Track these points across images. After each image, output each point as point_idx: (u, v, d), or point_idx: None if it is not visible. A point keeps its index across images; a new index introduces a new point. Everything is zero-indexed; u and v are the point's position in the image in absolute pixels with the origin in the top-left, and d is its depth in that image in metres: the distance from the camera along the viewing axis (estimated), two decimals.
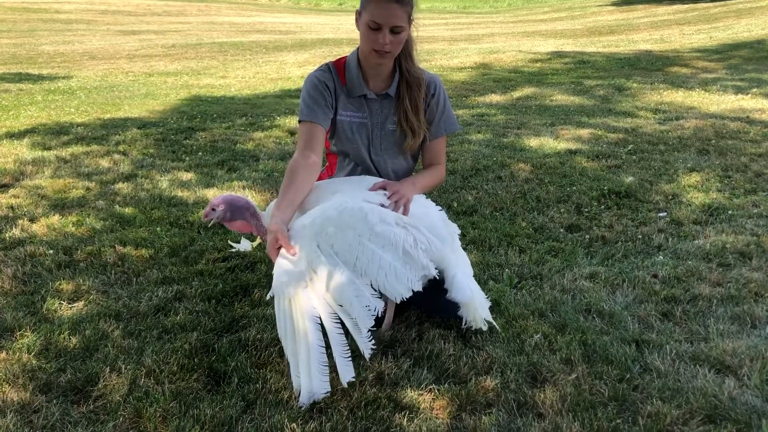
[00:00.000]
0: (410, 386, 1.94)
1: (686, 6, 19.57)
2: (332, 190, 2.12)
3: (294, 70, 9.56)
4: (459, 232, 2.25)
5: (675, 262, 2.77)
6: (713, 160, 4.24)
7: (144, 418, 1.80)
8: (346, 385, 1.85)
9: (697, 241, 2.99)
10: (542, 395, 1.89)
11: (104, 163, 4.37)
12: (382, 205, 2.05)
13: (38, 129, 5.41)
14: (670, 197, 3.59)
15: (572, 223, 3.25)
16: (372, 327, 1.83)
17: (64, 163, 4.36)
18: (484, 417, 1.81)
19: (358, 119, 2.27)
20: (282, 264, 1.88)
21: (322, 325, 1.83)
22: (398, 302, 1.95)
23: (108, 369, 2.02)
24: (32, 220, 3.29)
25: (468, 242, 2.99)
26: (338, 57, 2.32)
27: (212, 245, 2.97)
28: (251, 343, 2.15)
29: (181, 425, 1.76)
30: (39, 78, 8.78)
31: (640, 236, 3.07)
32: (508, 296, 2.48)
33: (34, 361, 2.06)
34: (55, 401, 1.88)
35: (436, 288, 2.07)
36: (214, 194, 3.67)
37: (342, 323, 1.83)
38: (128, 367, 2.02)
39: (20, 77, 8.82)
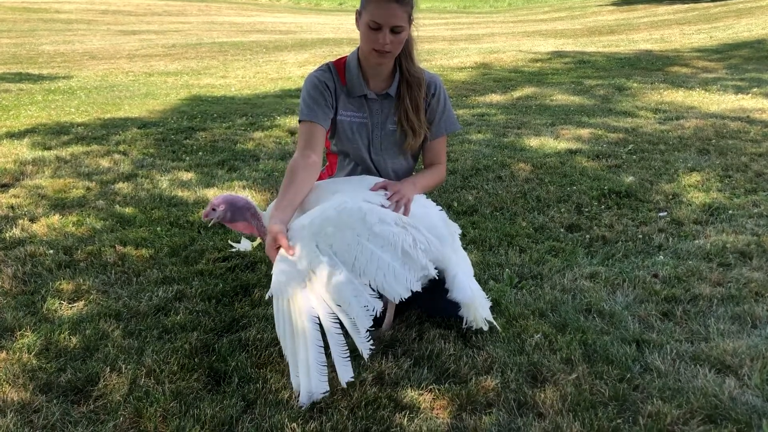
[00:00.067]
0: (410, 386, 1.94)
1: (686, 6, 19.57)
2: (332, 190, 2.12)
3: (294, 70, 9.56)
4: (459, 231, 2.25)
5: (675, 261, 2.77)
6: (713, 160, 4.24)
7: (144, 417, 1.80)
8: (344, 386, 1.85)
9: (697, 241, 2.99)
10: (542, 395, 1.89)
11: (104, 162, 4.37)
12: (383, 206, 2.05)
13: (38, 129, 5.41)
14: (671, 197, 3.59)
15: (572, 223, 3.25)
16: (371, 327, 1.83)
17: (64, 162, 4.36)
18: (484, 417, 1.81)
19: (359, 119, 2.27)
20: (281, 264, 1.88)
21: (320, 325, 1.83)
22: (397, 302, 1.95)
23: (108, 369, 2.02)
24: (32, 219, 3.29)
25: (468, 242, 2.99)
26: (338, 57, 2.32)
27: (212, 245, 2.97)
28: (251, 343, 2.15)
29: (182, 425, 1.76)
30: (39, 78, 8.78)
31: (640, 236, 3.07)
32: (508, 296, 2.48)
33: (34, 361, 2.06)
34: (55, 401, 1.88)
35: (436, 288, 2.07)
36: (214, 194, 3.66)
37: (341, 323, 1.83)
38: (128, 366, 2.02)
39: (20, 77, 8.82)
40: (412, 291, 1.90)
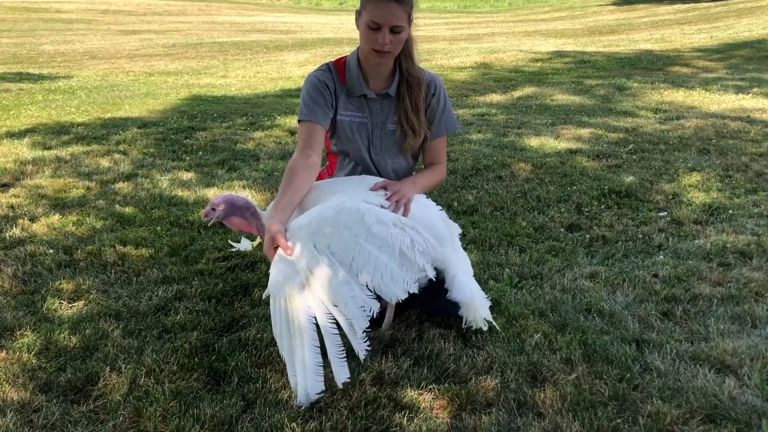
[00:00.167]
0: (410, 386, 1.94)
1: (687, 5, 19.57)
2: (332, 190, 2.12)
3: (294, 70, 9.56)
4: (459, 231, 2.25)
5: (675, 261, 2.77)
6: (714, 160, 4.24)
7: (144, 417, 1.80)
8: (341, 386, 1.85)
9: (697, 241, 2.99)
10: (542, 395, 1.88)
11: (104, 162, 4.38)
12: (382, 206, 2.05)
13: (38, 128, 5.41)
14: (671, 197, 3.59)
15: (572, 223, 3.25)
16: (370, 327, 1.83)
17: (64, 162, 4.36)
18: (484, 416, 1.81)
19: (358, 119, 2.27)
20: (279, 264, 1.88)
21: (317, 325, 1.83)
22: (394, 303, 1.95)
23: (108, 368, 2.02)
24: (32, 219, 3.29)
25: (468, 242, 2.99)
26: (338, 57, 2.32)
27: (212, 245, 2.97)
28: (251, 343, 2.15)
29: (181, 425, 1.76)
30: (39, 77, 8.78)
31: (640, 236, 3.07)
32: (508, 296, 2.48)
33: (34, 361, 2.06)
34: (55, 401, 1.88)
35: (436, 288, 2.07)
36: (214, 194, 3.67)
37: (337, 323, 1.83)
38: (128, 366, 2.02)
39: (21, 77, 8.82)
40: (409, 292, 1.90)
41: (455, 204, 3.51)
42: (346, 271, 1.85)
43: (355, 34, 2.17)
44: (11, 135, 5.16)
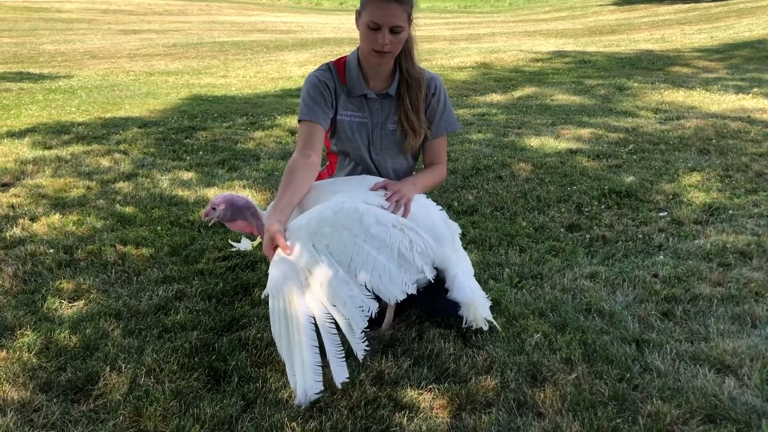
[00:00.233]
0: (410, 385, 1.94)
1: (687, 5, 19.56)
2: (332, 190, 2.12)
3: (295, 70, 9.56)
4: (460, 231, 2.25)
5: (675, 261, 2.77)
6: (714, 160, 4.24)
7: (144, 416, 1.80)
8: (339, 386, 1.85)
9: (697, 241, 2.99)
10: (542, 395, 1.89)
11: (105, 162, 4.38)
12: (382, 206, 2.05)
13: (39, 128, 5.41)
14: (671, 197, 3.59)
15: (573, 223, 3.25)
16: (366, 328, 1.83)
17: (64, 162, 4.36)
18: (484, 416, 1.81)
19: (359, 119, 2.27)
20: (278, 263, 1.88)
21: (316, 325, 1.83)
22: (392, 303, 1.95)
23: (108, 368, 2.02)
24: (33, 219, 3.29)
25: (468, 242, 2.99)
26: (339, 57, 2.32)
27: (213, 244, 2.97)
28: (251, 342, 2.15)
29: (181, 424, 1.76)
30: (40, 77, 8.78)
31: (640, 236, 3.07)
32: (508, 296, 2.48)
33: (34, 360, 2.07)
34: (55, 400, 1.88)
35: (436, 288, 2.07)
36: (214, 193, 3.67)
37: (336, 323, 1.83)
38: (128, 366, 2.02)
39: (21, 76, 8.82)
40: (407, 293, 1.90)
41: (455, 204, 3.51)
42: (344, 271, 1.85)
43: (356, 34, 2.17)
44: (12, 134, 5.17)
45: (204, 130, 5.30)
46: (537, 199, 3.59)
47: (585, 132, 5.12)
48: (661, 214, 3.35)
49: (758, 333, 2.20)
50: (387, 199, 2.08)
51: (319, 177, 2.29)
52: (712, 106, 6.17)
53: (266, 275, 1.90)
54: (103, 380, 1.96)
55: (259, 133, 5.23)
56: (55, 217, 3.29)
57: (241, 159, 4.49)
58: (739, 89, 6.95)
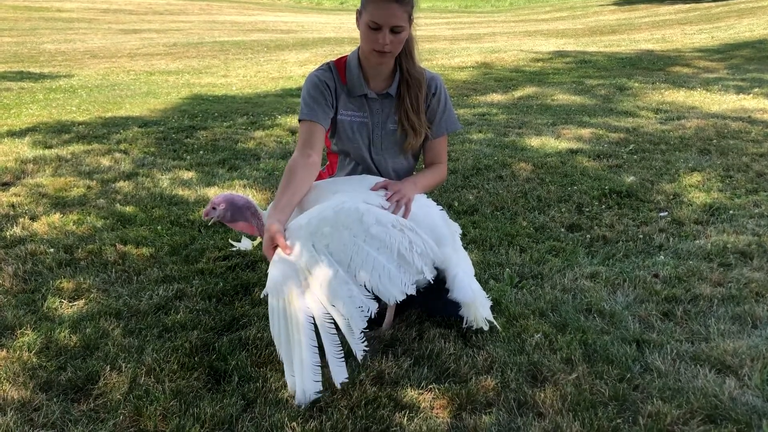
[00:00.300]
0: (410, 385, 1.94)
1: (688, 6, 19.55)
2: (332, 189, 2.11)
3: (295, 69, 9.56)
4: (460, 231, 2.25)
5: (676, 261, 2.77)
6: (714, 160, 4.24)
7: (144, 416, 1.80)
8: (338, 386, 1.85)
9: (698, 241, 2.98)
10: (542, 395, 1.88)
11: (105, 161, 4.38)
12: (382, 206, 2.05)
13: (39, 127, 5.41)
14: (672, 197, 3.59)
15: (573, 223, 3.25)
16: (365, 328, 1.82)
17: (65, 161, 4.36)
18: (484, 416, 1.81)
19: (359, 119, 2.27)
20: (277, 263, 1.88)
21: (315, 324, 1.83)
22: (392, 304, 1.95)
23: (108, 367, 2.02)
24: (33, 218, 3.29)
25: (469, 241, 2.99)
26: (339, 56, 2.32)
27: (213, 244, 2.97)
28: (252, 342, 2.15)
29: (182, 424, 1.76)
30: (40, 76, 8.78)
31: (641, 236, 3.07)
32: (508, 296, 2.47)
33: (34, 360, 2.07)
34: (55, 399, 1.88)
35: (437, 288, 2.06)
36: (214, 193, 3.67)
37: (336, 323, 1.83)
38: (128, 365, 2.02)
39: (22, 76, 8.82)
40: (406, 294, 1.89)
41: (456, 204, 3.51)
42: (344, 271, 1.85)
43: (356, 33, 2.17)
44: (12, 134, 5.17)
45: (204, 130, 5.30)
46: (537, 199, 3.58)
47: (585, 132, 5.12)
48: (662, 214, 3.35)
49: (759, 333, 2.19)
50: (387, 199, 2.08)
51: (320, 177, 2.29)
52: (713, 106, 6.16)
53: (267, 275, 1.90)
54: (104, 380, 1.96)
55: (259, 133, 5.23)
56: (56, 217, 3.29)
57: (242, 158, 4.49)
58: (739, 89, 6.95)
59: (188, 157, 4.49)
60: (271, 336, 2.14)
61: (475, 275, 2.22)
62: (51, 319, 2.33)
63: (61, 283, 2.60)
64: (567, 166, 4.14)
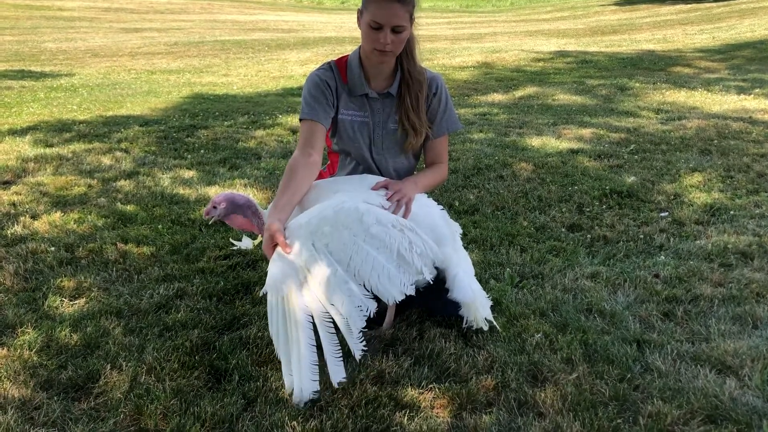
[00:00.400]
0: (411, 385, 1.94)
1: (689, 6, 19.55)
2: (333, 189, 2.11)
3: (296, 69, 9.56)
4: (461, 231, 2.25)
5: (676, 262, 2.77)
6: (715, 161, 4.24)
7: (145, 415, 1.80)
8: (336, 386, 1.85)
9: (698, 242, 2.98)
10: (543, 394, 1.89)
11: (106, 160, 4.38)
12: (383, 206, 2.05)
13: (40, 126, 5.41)
14: (672, 197, 3.59)
15: (574, 223, 3.25)
16: (364, 327, 1.82)
17: (65, 160, 4.36)
18: (484, 416, 1.81)
19: (360, 118, 2.27)
20: (277, 262, 1.88)
21: (314, 323, 1.83)
22: (391, 304, 1.95)
23: (109, 366, 2.02)
24: (34, 217, 3.29)
25: (469, 241, 2.99)
26: (340, 56, 2.32)
27: (213, 243, 2.97)
28: (252, 341, 2.15)
29: (182, 422, 1.76)
30: (41, 75, 8.79)
31: (641, 236, 3.07)
32: (509, 295, 2.47)
33: (35, 358, 2.07)
34: (56, 398, 1.88)
35: (437, 287, 2.06)
36: (215, 192, 3.67)
37: (334, 323, 1.83)
38: (129, 364, 2.02)
39: (23, 74, 8.83)
40: (405, 294, 1.89)
41: (456, 203, 3.51)
42: (343, 271, 1.85)
43: (357, 33, 2.17)
44: (13, 132, 5.17)
45: (205, 129, 5.30)
46: (538, 198, 3.58)
47: (586, 132, 5.12)
48: (663, 214, 3.35)
49: (759, 334, 2.19)
50: (388, 199, 2.08)
51: (320, 176, 2.29)
52: (714, 106, 6.16)
53: (267, 274, 1.90)
54: (104, 378, 1.96)
55: (260, 132, 5.24)
56: (57, 215, 3.29)
57: (243, 158, 4.49)
58: (740, 90, 6.94)
59: (189, 156, 4.49)
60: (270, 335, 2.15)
61: (476, 275, 2.22)
62: (52, 317, 2.33)
63: (61, 281, 2.60)
64: (568, 166, 4.14)
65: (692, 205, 3.45)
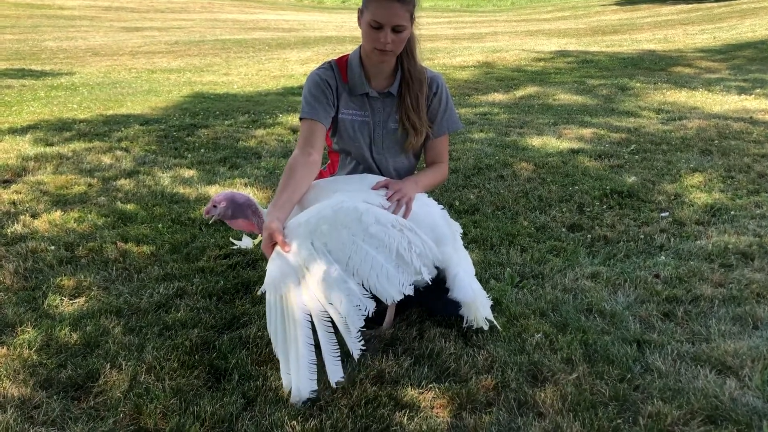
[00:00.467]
0: (411, 385, 1.94)
1: (690, 6, 19.54)
2: (332, 188, 2.11)
3: (297, 68, 9.56)
4: (461, 230, 2.25)
5: (677, 262, 2.76)
6: (716, 161, 4.24)
7: (144, 414, 1.80)
8: (334, 386, 1.84)
9: (699, 242, 2.98)
10: (543, 394, 1.88)
11: (106, 159, 4.38)
12: (383, 205, 2.04)
13: (41, 125, 5.41)
14: (673, 197, 3.59)
15: (574, 223, 3.25)
16: (362, 327, 1.82)
17: (66, 159, 4.36)
18: (484, 416, 1.81)
19: (360, 117, 2.26)
20: (276, 260, 1.88)
21: (313, 323, 1.83)
22: (390, 303, 1.94)
23: (108, 365, 2.02)
24: (34, 216, 3.29)
25: (470, 241, 2.99)
26: (341, 55, 2.31)
27: (214, 242, 2.97)
28: (252, 341, 2.15)
29: (182, 422, 1.76)
30: (42, 74, 8.78)
31: (642, 236, 3.07)
32: (509, 295, 2.47)
33: (34, 357, 2.07)
34: (55, 397, 1.88)
35: (437, 287, 2.06)
36: (215, 191, 3.67)
37: (333, 322, 1.83)
38: (129, 363, 2.02)
39: (23, 73, 8.82)
40: (404, 294, 1.89)
41: (457, 203, 3.51)
42: (342, 270, 1.84)
43: (358, 32, 2.17)
44: (13, 131, 5.17)
45: (205, 128, 5.30)
46: (538, 198, 3.58)
47: (587, 132, 5.11)
48: (663, 214, 3.35)
49: (759, 334, 2.19)
50: (388, 199, 2.08)
51: (320, 175, 2.29)
52: (715, 106, 6.16)
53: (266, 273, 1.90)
54: (104, 377, 1.96)
55: (260, 131, 5.23)
56: (57, 214, 3.29)
57: (243, 157, 4.49)
58: (741, 90, 6.94)
59: (189, 155, 4.49)
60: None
61: (476, 275, 2.22)
62: (51, 316, 2.33)
63: (61, 280, 2.60)
64: (568, 166, 4.14)
65: (693, 206, 3.45)
